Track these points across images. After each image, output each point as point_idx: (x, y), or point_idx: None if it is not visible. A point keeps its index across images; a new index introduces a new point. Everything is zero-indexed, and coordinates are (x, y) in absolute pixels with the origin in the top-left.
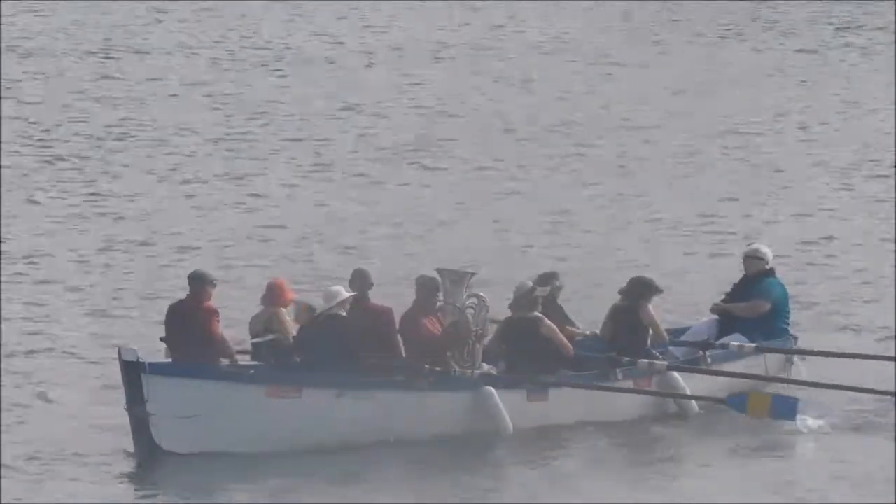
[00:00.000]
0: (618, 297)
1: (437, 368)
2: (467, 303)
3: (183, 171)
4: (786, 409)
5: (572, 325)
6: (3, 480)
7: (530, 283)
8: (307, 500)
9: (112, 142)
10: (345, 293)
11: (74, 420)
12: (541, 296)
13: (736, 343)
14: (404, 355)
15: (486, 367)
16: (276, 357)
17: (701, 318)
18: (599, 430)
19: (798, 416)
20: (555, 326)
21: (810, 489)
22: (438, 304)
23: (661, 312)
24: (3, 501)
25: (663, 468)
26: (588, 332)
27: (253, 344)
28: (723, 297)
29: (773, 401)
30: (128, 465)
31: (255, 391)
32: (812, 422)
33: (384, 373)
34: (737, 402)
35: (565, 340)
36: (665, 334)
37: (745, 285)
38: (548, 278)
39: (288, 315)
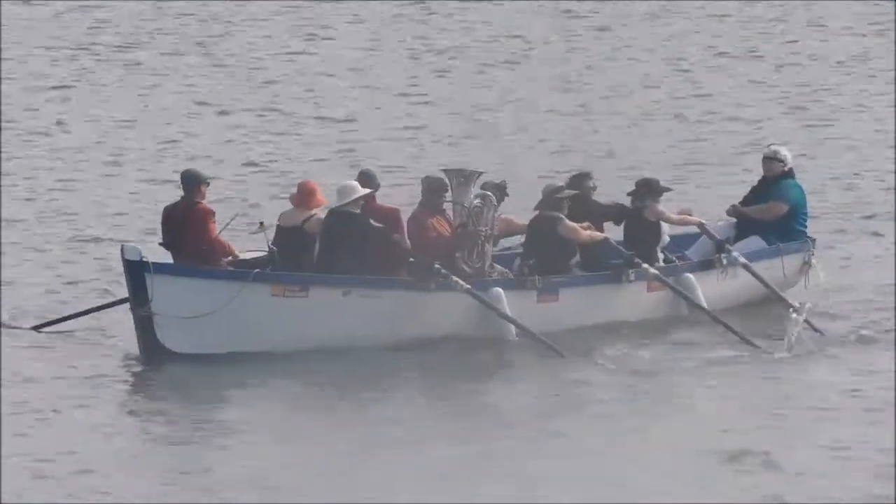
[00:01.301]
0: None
1: (444, 270)
2: (475, 202)
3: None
4: None
5: (616, 207)
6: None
7: (558, 184)
8: (313, 400)
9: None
10: (360, 189)
11: (77, 322)
12: (566, 196)
13: (735, 254)
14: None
15: (499, 268)
16: (293, 257)
17: (717, 222)
18: (609, 332)
19: None
20: (575, 226)
21: (807, 405)
22: (445, 204)
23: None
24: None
25: (664, 379)
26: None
27: (269, 247)
28: (741, 199)
29: None
30: (132, 366)
31: (261, 290)
32: None
33: (395, 272)
34: None
35: (587, 237)
36: (688, 217)
37: (763, 187)
38: (580, 178)
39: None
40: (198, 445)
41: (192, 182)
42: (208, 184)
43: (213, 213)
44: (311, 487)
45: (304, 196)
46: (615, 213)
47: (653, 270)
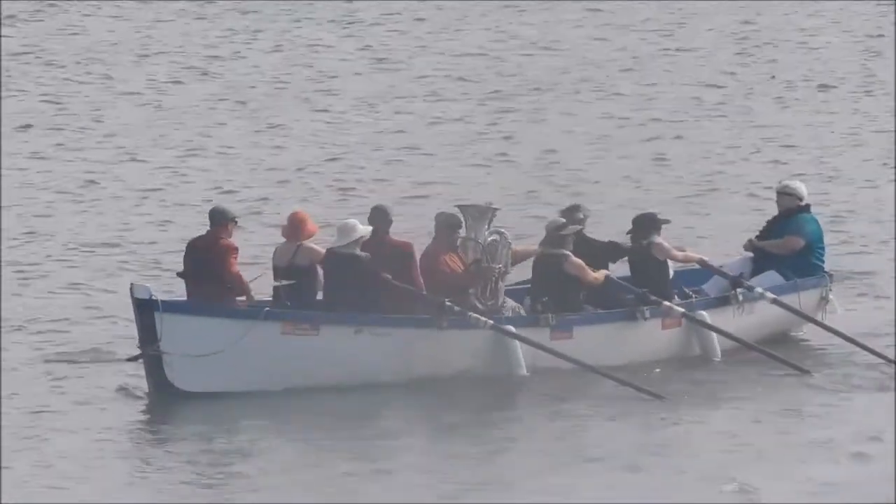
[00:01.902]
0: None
1: (457, 308)
2: (489, 239)
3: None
4: None
5: (611, 246)
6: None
7: (561, 220)
8: (322, 439)
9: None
10: (360, 228)
11: (86, 361)
12: (570, 233)
13: (759, 289)
14: (425, 292)
15: (511, 304)
16: (295, 299)
17: (734, 257)
18: (623, 370)
19: None
20: (581, 263)
21: (814, 440)
22: (459, 240)
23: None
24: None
25: (679, 414)
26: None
27: (273, 287)
28: (756, 234)
29: None
30: (141, 405)
31: (271, 329)
32: None
33: (404, 310)
34: None
35: (593, 277)
36: (691, 254)
37: (778, 222)
38: (571, 211)
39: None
40: (207, 485)
41: (220, 218)
42: (236, 222)
43: (236, 250)
44: None
45: (294, 227)
46: (611, 251)
47: (678, 308)
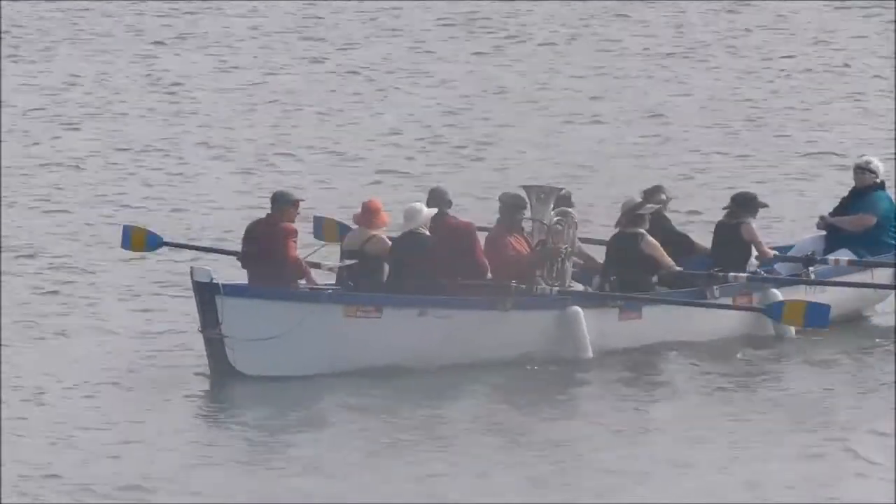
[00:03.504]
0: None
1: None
2: (555, 220)
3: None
4: (818, 316)
5: (684, 239)
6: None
7: (637, 199)
8: (384, 422)
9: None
10: (426, 211)
11: (149, 342)
12: (647, 212)
13: (835, 258)
14: (489, 273)
15: (577, 285)
16: (359, 280)
17: (806, 234)
18: (693, 350)
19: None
20: (656, 243)
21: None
22: (524, 221)
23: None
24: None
25: (747, 396)
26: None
27: (338, 268)
28: (830, 211)
29: (807, 308)
30: (203, 389)
31: (333, 312)
32: None
33: (469, 292)
34: (773, 310)
35: (668, 262)
36: (768, 251)
37: (853, 198)
38: (653, 192)
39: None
40: (268, 468)
41: (282, 201)
42: (297, 206)
43: (295, 233)
44: None
45: (367, 215)
46: (683, 244)
47: (741, 286)
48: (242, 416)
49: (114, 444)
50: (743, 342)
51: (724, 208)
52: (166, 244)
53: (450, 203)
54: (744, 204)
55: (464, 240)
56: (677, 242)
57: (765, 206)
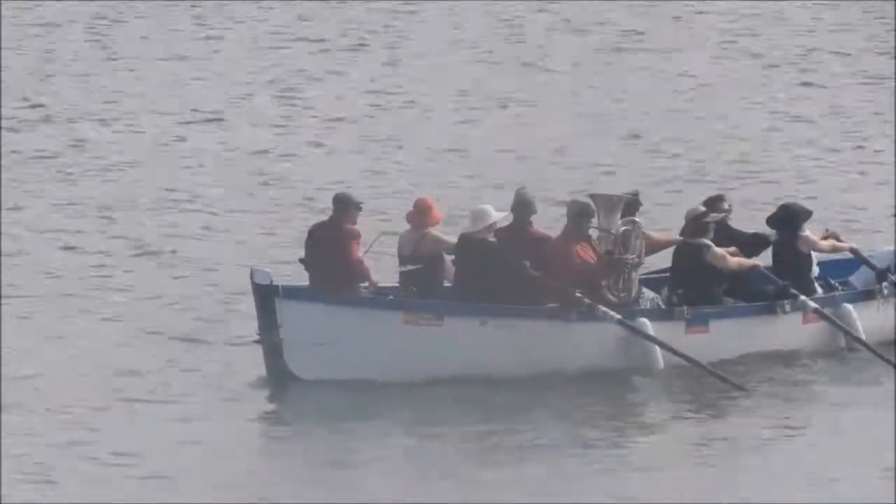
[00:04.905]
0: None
1: (587, 300)
2: (622, 229)
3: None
4: None
5: (759, 238)
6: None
7: (701, 208)
8: (441, 433)
9: None
10: (494, 214)
11: (204, 345)
12: (711, 221)
13: None
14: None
15: (649, 294)
16: (421, 285)
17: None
18: (761, 365)
19: None
20: (724, 253)
21: None
22: (591, 230)
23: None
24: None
25: (822, 414)
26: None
27: (400, 272)
28: None
29: None
30: (260, 392)
31: (392, 318)
32: None
33: (535, 300)
34: None
35: (737, 264)
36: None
37: None
38: (714, 201)
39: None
40: (324, 472)
41: (344, 202)
42: (360, 208)
43: (358, 236)
44: None
45: (419, 214)
46: (756, 242)
47: (811, 304)
48: (299, 421)
49: (171, 448)
50: (812, 356)
51: (769, 220)
52: None
53: (534, 211)
54: (793, 215)
55: (540, 251)
56: (752, 243)
57: (810, 214)
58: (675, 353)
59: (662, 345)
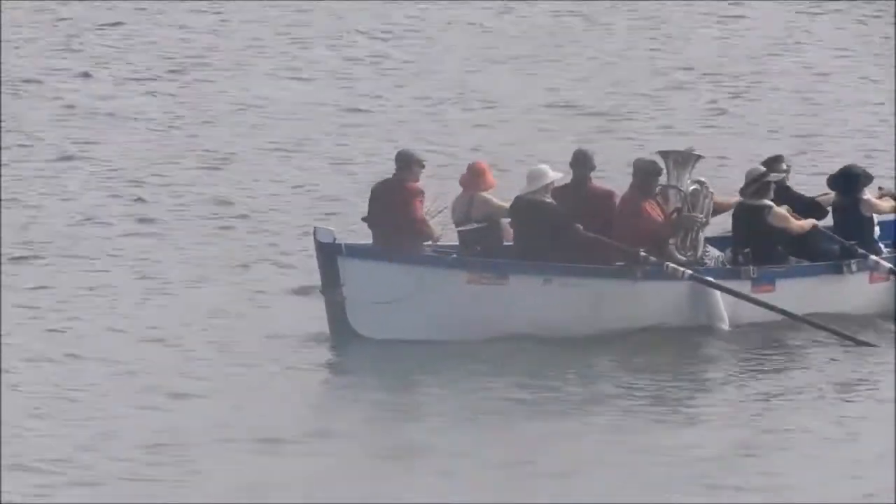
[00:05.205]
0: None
1: (653, 258)
2: (692, 188)
3: None
4: None
5: (816, 206)
6: None
7: (762, 168)
8: (504, 393)
9: None
10: (551, 174)
11: (270, 303)
12: (773, 181)
13: None
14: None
15: (714, 253)
16: (482, 244)
17: None
18: (826, 322)
19: None
20: (785, 213)
21: None
22: (658, 188)
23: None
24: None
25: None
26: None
27: (459, 232)
28: None
29: None
30: (323, 351)
31: (456, 277)
32: None
33: (597, 259)
34: None
35: (798, 226)
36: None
37: None
38: (773, 161)
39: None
40: (388, 431)
41: (407, 160)
42: (423, 166)
43: (421, 193)
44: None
45: (473, 177)
46: (813, 211)
47: (885, 263)
48: (362, 379)
49: (233, 406)
50: (878, 315)
51: (829, 181)
52: None
53: (593, 168)
54: (854, 179)
55: (604, 208)
56: (808, 211)
57: (871, 178)
58: (763, 305)
59: (748, 298)
